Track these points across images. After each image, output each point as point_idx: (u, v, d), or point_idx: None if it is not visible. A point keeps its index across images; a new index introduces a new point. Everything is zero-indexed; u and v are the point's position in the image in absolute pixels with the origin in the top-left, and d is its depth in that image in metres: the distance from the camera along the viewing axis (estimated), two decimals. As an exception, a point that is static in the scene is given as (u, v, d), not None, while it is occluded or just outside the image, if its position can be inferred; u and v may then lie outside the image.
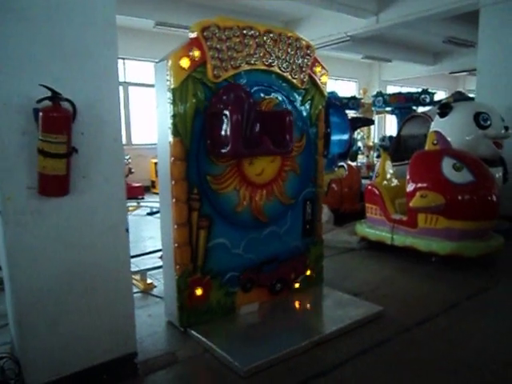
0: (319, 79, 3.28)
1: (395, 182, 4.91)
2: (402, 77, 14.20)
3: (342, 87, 13.80)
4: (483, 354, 2.54)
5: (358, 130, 12.53)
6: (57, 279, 2.03)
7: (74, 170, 2.01)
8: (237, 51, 2.76)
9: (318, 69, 3.25)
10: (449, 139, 4.89)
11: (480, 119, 4.91)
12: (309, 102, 3.26)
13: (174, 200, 2.71)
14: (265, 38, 2.88)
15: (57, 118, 1.81)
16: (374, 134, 12.51)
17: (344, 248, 4.84)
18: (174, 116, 2.62)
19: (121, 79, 8.89)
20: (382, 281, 3.81)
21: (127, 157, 8.58)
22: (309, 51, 3.15)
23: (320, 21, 8.66)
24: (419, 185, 4.18)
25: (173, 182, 2.69)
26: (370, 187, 4.86)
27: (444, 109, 5.22)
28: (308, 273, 3.43)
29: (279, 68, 3.01)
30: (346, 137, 8.20)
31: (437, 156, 4.23)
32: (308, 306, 3.16)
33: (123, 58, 9.70)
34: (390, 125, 13.76)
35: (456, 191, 3.98)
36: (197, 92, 2.66)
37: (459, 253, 3.96)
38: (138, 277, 3.81)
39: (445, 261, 4.06)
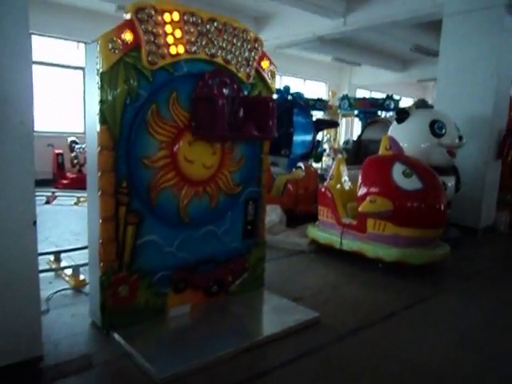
0: (267, 74, 3.16)
1: (349, 185, 4.85)
2: (371, 82, 14.33)
3: (311, 88, 13.79)
4: (412, 367, 2.48)
5: (325, 132, 12.61)
6: None
7: (-29, 154, 1.81)
8: (176, 38, 2.59)
9: (265, 63, 3.12)
10: (405, 145, 4.88)
11: (435, 127, 4.93)
12: (255, 97, 3.13)
13: (99, 192, 2.52)
14: (208, 26, 2.72)
15: None
16: (341, 137, 12.58)
17: (293, 250, 4.75)
18: (102, 102, 2.42)
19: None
20: (325, 286, 3.73)
21: (83, 146, 8.24)
22: (257, 44, 3.02)
23: (289, 19, 8.56)
24: (369, 189, 4.13)
25: (99, 174, 2.50)
26: (322, 189, 4.78)
27: (401, 115, 5.23)
28: (247, 275, 3.30)
29: (223, 59, 2.85)
30: (309, 137, 8.20)
31: (388, 161, 4.20)
32: (243, 310, 3.03)
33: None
34: (357, 128, 13.87)
35: (404, 198, 3.95)
36: (129, 78, 2.48)
37: (405, 260, 3.93)
38: (69, 272, 3.59)
39: (391, 268, 4.03)
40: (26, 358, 2.06)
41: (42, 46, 9.12)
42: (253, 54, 3.00)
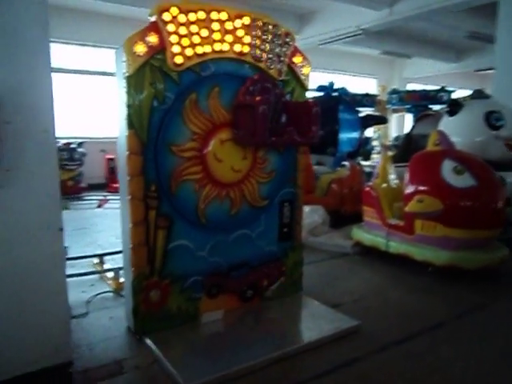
0: (300, 70, 3.02)
1: (396, 184, 4.58)
2: (423, 74, 13.62)
3: (360, 84, 13.36)
4: (460, 384, 2.25)
5: (375, 129, 12.14)
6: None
7: (-2, 161, 1.85)
8: (202, 37, 2.53)
9: (298, 59, 2.98)
10: (457, 140, 4.52)
11: (492, 119, 4.55)
12: (288, 95, 3.00)
13: (129, 197, 2.51)
14: (235, 23, 2.64)
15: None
16: (391, 133, 12.07)
17: (336, 253, 4.55)
18: (129, 106, 2.41)
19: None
20: (368, 291, 3.52)
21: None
22: (288, 39, 2.89)
23: (332, 13, 8.30)
24: (416, 188, 3.86)
25: (128, 178, 2.49)
26: (367, 189, 4.55)
27: (453, 107, 4.87)
28: (284, 280, 3.18)
29: (253, 57, 2.76)
30: (356, 135, 7.90)
31: (437, 157, 3.90)
32: (278, 316, 2.91)
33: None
34: (409, 123, 13.25)
35: (455, 196, 3.64)
36: (155, 81, 2.45)
37: (456, 264, 3.62)
38: (110, 275, 3.65)
39: (441, 272, 3.73)
40: (55, 363, 2.08)
41: (88, 55, 9.47)
42: (284, 49, 2.88)
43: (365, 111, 10.29)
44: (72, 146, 8.25)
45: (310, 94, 8.45)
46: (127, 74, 2.38)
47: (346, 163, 6.06)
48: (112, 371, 2.32)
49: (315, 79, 10.24)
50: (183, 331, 2.67)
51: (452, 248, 3.63)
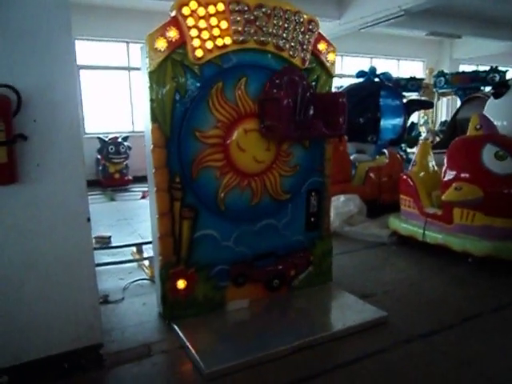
0: (325, 57, 2.96)
1: (435, 171, 4.39)
2: (476, 54, 12.82)
3: (407, 68, 12.82)
4: (488, 381, 2.15)
5: (422, 114, 11.65)
6: (12, 267, 2.02)
7: (27, 157, 1.98)
8: (222, 29, 2.55)
9: (323, 46, 2.92)
10: (504, 123, 4.27)
11: (543, 100, 4.22)
12: (313, 83, 2.95)
13: (155, 189, 2.60)
14: (256, 12, 2.62)
15: (-11, 104, 1.76)
16: (439, 118, 11.52)
17: (373, 242, 4.46)
18: (152, 101, 2.49)
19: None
20: (401, 281, 3.43)
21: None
22: (311, 26, 2.84)
23: (372, -4, 8.01)
24: (455, 175, 3.69)
25: (153, 170, 2.59)
26: (404, 177, 4.40)
27: (499, 88, 4.58)
28: (312, 270, 3.17)
29: (275, 46, 2.74)
30: (399, 121, 7.63)
31: (477, 143, 3.70)
32: (304, 306, 2.91)
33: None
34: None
35: (497, 183, 3.45)
36: (177, 75, 2.50)
37: (498, 255, 3.44)
38: (147, 263, 3.81)
39: (481, 263, 3.56)
40: (86, 344, 2.22)
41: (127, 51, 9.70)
42: (307, 36, 2.83)
43: (410, 96, 9.92)
44: (118, 140, 8.60)
45: (350, 81, 8.28)
46: (149, 70, 2.45)
47: (385, 151, 5.87)
48: (140, 354, 2.44)
49: (358, 65, 10.00)
50: (209, 318, 2.74)
51: (493, 238, 3.45)
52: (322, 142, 3.08)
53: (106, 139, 8.55)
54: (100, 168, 8.62)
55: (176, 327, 2.63)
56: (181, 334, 2.55)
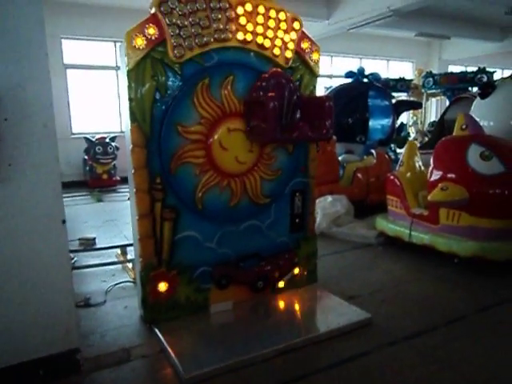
0: (309, 56, 2.93)
1: (422, 172, 4.38)
2: (465, 55, 12.90)
3: (397, 69, 12.87)
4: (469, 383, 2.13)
5: (411, 115, 11.70)
6: (-15, 271, 1.96)
7: (-1, 157, 1.92)
8: (202, 27, 2.50)
9: (306, 44, 2.89)
10: (490, 123, 4.28)
11: (528, 100, 4.24)
12: (297, 82, 2.92)
13: (134, 190, 2.55)
14: (238, 10, 2.59)
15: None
16: (429, 119, 11.57)
17: (359, 243, 4.44)
18: (131, 100, 2.44)
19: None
20: (387, 282, 3.41)
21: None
22: (295, 25, 2.80)
23: (361, -4, 8.02)
24: (440, 175, 3.68)
25: (132, 171, 2.53)
26: (391, 177, 4.39)
27: (485, 88, 4.58)
28: (297, 271, 3.14)
29: (257, 45, 2.70)
30: (388, 122, 7.64)
31: (463, 143, 3.69)
32: (289, 308, 2.88)
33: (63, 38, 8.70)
34: (448, 108, 12.62)
35: (482, 184, 3.44)
36: (156, 73, 2.45)
37: (483, 255, 3.43)
38: (130, 265, 3.75)
39: (467, 264, 3.55)
40: (62, 350, 2.16)
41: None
42: (291, 35, 2.80)
43: (399, 97, 9.94)
44: (106, 140, 8.50)
45: (339, 81, 8.28)
46: (128, 68, 2.40)
47: (373, 151, 5.87)
48: (119, 359, 2.38)
49: (347, 65, 10.00)
50: (192, 321, 2.70)
51: (478, 238, 3.44)
52: (306, 143, 3.04)
53: (93, 139, 8.45)
54: (87, 168, 8.51)
55: (157, 330, 2.58)
56: (161, 338, 2.49)
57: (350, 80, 7.65)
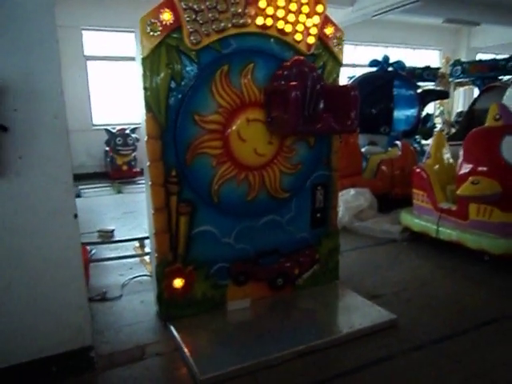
0: (333, 43, 2.77)
1: (450, 164, 4.17)
2: (495, 43, 12.35)
3: (423, 58, 12.44)
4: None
5: (438, 105, 11.30)
6: (-4, 266, 1.91)
7: (8, 149, 1.85)
8: (220, 11, 2.38)
9: (330, 30, 2.73)
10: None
11: None
12: (319, 70, 2.76)
13: (150, 183, 2.46)
14: (257, -7, 2.45)
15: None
16: (456, 109, 11.15)
17: (383, 239, 4.27)
18: (146, 89, 2.34)
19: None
20: (413, 281, 3.25)
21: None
22: (318, 8, 2.64)
23: (386, -19, 7.70)
24: (471, 169, 3.47)
25: (148, 163, 2.44)
26: (417, 170, 4.19)
27: (520, 76, 4.30)
28: (318, 268, 3.01)
29: (277, 30, 2.56)
30: (413, 112, 7.37)
31: (496, 134, 3.46)
32: (309, 307, 2.75)
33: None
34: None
35: (517, 178, 3.23)
36: (172, 61, 2.35)
37: (516, 253, 3.23)
38: (148, 259, 3.69)
39: (498, 262, 3.35)
40: (75, 347, 2.10)
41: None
42: (313, 19, 2.64)
43: (425, 86, 9.59)
44: (126, 131, 8.49)
45: (363, 71, 8.03)
46: (142, 56, 2.29)
47: (398, 143, 5.65)
48: (133, 357, 2.32)
49: (371, 54, 9.70)
50: (208, 319, 2.61)
51: (511, 236, 3.24)
52: (329, 135, 2.89)
53: (114, 131, 8.45)
54: (108, 160, 8.54)
55: (172, 328, 2.50)
56: (176, 336, 2.42)
57: (374, 69, 7.40)
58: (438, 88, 9.90)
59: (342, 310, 2.77)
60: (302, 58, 2.55)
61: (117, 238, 4.50)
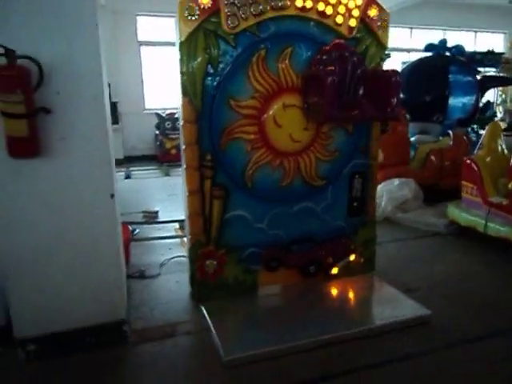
0: (376, 25, 2.65)
1: (504, 156, 3.91)
2: None
3: (486, 41, 11.63)
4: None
5: (500, 92, 10.58)
6: (40, 241, 2.04)
7: (50, 131, 1.96)
8: (259, -6, 2.35)
9: (373, 11, 2.62)
10: None
11: None
12: (362, 54, 2.66)
13: (184, 166, 2.51)
14: (296, -25, 2.39)
15: (7, 76, 1.73)
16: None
17: (427, 231, 4.10)
18: (182, 74, 2.38)
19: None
20: (452, 276, 3.11)
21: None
22: (361, -11, 2.54)
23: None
24: (526, 161, 3.24)
25: (183, 147, 2.49)
26: (467, 161, 3.96)
27: None
28: (353, 258, 2.95)
29: (317, 13, 2.49)
30: (470, 99, 6.96)
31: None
32: (339, 296, 2.72)
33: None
34: (545, 85, 11.18)
35: None
36: (209, 46, 2.36)
37: None
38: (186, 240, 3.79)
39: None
40: (108, 320, 2.21)
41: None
42: (356, 1, 2.54)
43: (487, 72, 8.99)
44: (175, 116, 8.67)
45: (417, 55, 7.65)
46: (180, 40, 2.32)
47: (449, 132, 5.37)
48: (164, 333, 2.41)
49: (429, 39, 9.21)
50: (239, 302, 2.65)
51: None
52: (368, 124, 2.80)
53: (164, 115, 8.66)
54: (158, 143, 8.79)
55: (203, 308, 2.57)
56: (206, 316, 2.48)
57: (429, 54, 7.04)
58: (501, 74, 9.27)
59: (374, 302, 2.72)
60: (341, 41, 2.47)
61: (161, 219, 4.66)
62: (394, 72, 2.45)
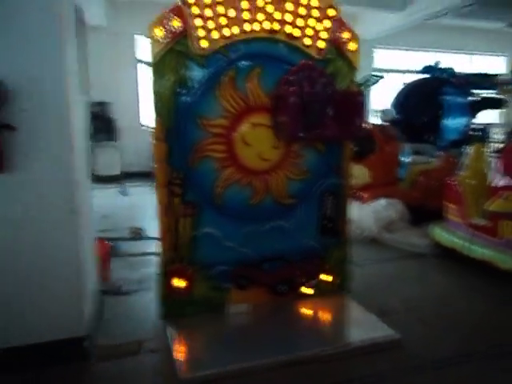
0: (346, 47, 2.70)
1: (487, 177, 3.89)
2: None
3: (484, 65, 11.69)
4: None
5: (500, 114, 10.57)
6: (1, 256, 2.06)
7: (16, 147, 2.00)
8: (228, 17, 2.41)
9: (344, 34, 2.66)
10: None
11: None
12: (332, 75, 2.70)
13: (155, 183, 2.54)
14: (265, -2, 2.45)
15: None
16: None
17: (411, 252, 4.06)
18: (155, 94, 2.43)
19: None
20: (432, 299, 3.07)
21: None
22: (329, 12, 2.59)
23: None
24: (505, 183, 3.23)
25: (154, 165, 2.52)
26: (450, 182, 3.96)
27: None
28: (325, 278, 2.93)
29: (286, 35, 2.55)
30: (463, 121, 6.98)
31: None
32: (308, 317, 2.70)
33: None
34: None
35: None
36: (179, 67, 2.41)
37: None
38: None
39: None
40: (69, 336, 2.20)
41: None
42: (324, 24, 2.59)
43: (484, 93, 8.99)
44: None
45: (412, 77, 7.72)
46: (152, 61, 2.38)
47: (439, 153, 5.37)
48: (129, 351, 2.39)
49: (423, 61, 9.28)
50: (207, 320, 2.63)
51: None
52: (339, 141, 2.82)
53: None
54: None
55: (169, 326, 2.55)
56: (170, 334, 2.46)
57: (426, 76, 7.12)
58: (498, 96, 9.28)
59: (343, 324, 2.68)
60: (309, 62, 2.52)
61: (148, 235, 4.68)
62: (358, 92, 2.48)
